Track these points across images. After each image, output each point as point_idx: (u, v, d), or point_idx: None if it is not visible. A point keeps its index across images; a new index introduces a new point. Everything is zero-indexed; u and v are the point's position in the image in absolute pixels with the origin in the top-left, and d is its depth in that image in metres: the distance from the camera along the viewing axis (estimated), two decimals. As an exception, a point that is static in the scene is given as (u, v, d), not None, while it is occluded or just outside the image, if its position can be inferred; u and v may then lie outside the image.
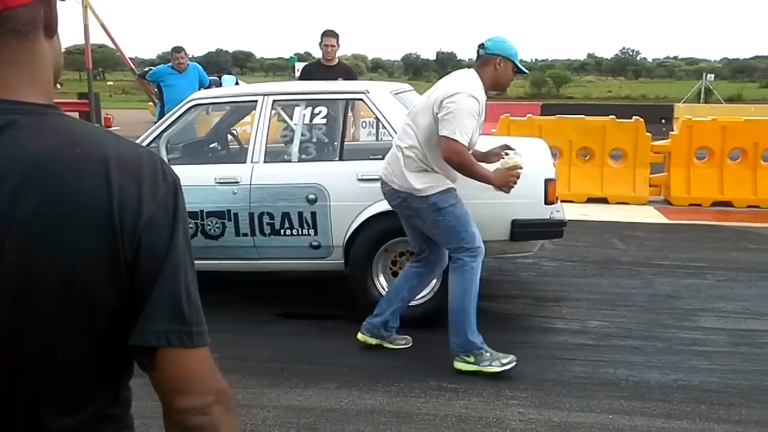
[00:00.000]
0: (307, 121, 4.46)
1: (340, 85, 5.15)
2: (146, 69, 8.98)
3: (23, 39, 0.86)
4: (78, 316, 0.85)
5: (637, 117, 8.13)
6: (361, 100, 4.28)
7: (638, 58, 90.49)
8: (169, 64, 7.68)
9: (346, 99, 4.46)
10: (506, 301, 4.57)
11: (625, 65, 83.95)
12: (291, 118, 4.49)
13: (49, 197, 0.82)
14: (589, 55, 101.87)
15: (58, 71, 0.94)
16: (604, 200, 7.93)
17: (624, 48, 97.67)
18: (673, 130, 8.94)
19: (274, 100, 4.30)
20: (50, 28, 0.90)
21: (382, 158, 4.18)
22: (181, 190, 0.93)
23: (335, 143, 4.54)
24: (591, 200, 7.93)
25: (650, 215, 7.38)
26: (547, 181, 4.02)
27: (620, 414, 3.04)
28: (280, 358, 3.65)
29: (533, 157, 4.33)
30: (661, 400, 3.17)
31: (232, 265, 4.35)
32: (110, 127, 18.88)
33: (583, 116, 8.31)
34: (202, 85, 7.56)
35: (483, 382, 3.33)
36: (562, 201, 7.10)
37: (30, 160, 0.82)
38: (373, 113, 4.26)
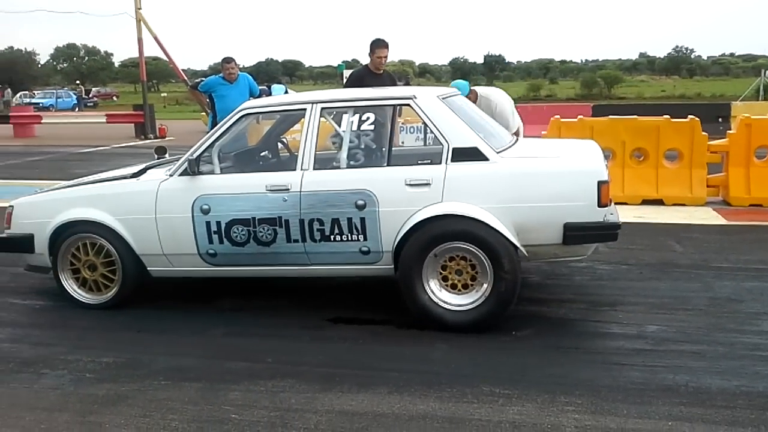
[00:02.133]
0: (355, 127, 4.48)
1: (388, 91, 5.15)
2: (198, 80, 9.18)
3: None
4: None
5: (693, 116, 7.92)
6: (409, 105, 4.28)
7: (692, 56, 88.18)
8: (220, 74, 7.82)
9: (394, 105, 4.46)
10: (560, 306, 4.49)
11: (679, 64, 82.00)
12: (339, 125, 4.52)
13: None
14: (641, 55, 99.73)
15: None
16: (659, 202, 7.74)
17: (677, 46, 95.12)
18: (730, 129, 8.67)
19: (322, 108, 4.34)
20: None
21: (430, 163, 4.18)
22: None
23: (383, 149, 4.54)
24: (646, 202, 7.75)
25: (708, 216, 7.17)
26: (600, 184, 3.94)
27: (680, 421, 2.95)
28: (331, 363, 3.66)
29: (585, 159, 4.26)
30: (723, 406, 3.06)
31: (283, 270, 4.40)
32: (165, 137, 19.36)
33: (636, 116, 8.14)
34: (252, 95, 7.67)
35: (537, 388, 3.28)
36: (616, 203, 6.99)
37: None
38: (421, 119, 4.25)
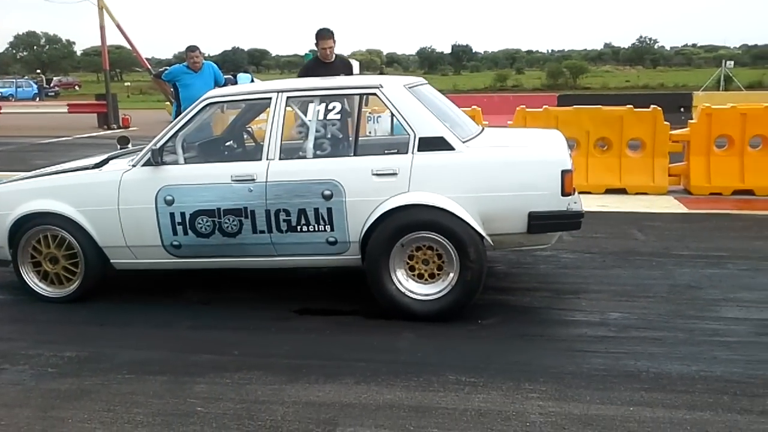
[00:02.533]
0: (321, 117, 4.46)
1: (354, 80, 5.14)
2: (162, 69, 9.02)
3: None
4: None
5: (655, 106, 8.04)
6: (375, 94, 4.27)
7: (656, 47, 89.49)
8: (185, 63, 7.71)
9: (360, 94, 4.45)
10: (525, 294, 4.54)
11: (643, 54, 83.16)
12: (305, 115, 4.50)
13: None
14: (606, 45, 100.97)
15: None
16: (622, 191, 7.86)
17: (641, 37, 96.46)
18: (692, 119, 8.83)
19: (288, 97, 4.31)
20: None
21: (397, 152, 4.18)
22: None
23: (350, 138, 4.54)
24: (609, 191, 7.87)
25: (670, 205, 7.31)
26: (564, 173, 3.99)
27: (641, 406, 3.01)
28: (298, 355, 3.66)
29: (549, 148, 4.31)
30: (683, 391, 3.13)
31: (250, 262, 4.37)
32: (128, 127, 19.06)
33: (600, 106, 8.24)
34: (217, 84, 7.58)
35: (502, 376, 3.32)
36: (580, 192, 7.07)
37: None
38: (387, 108, 4.24)
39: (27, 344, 3.92)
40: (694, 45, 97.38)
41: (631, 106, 8.09)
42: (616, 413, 2.95)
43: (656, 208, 7.13)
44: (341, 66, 6.57)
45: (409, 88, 4.34)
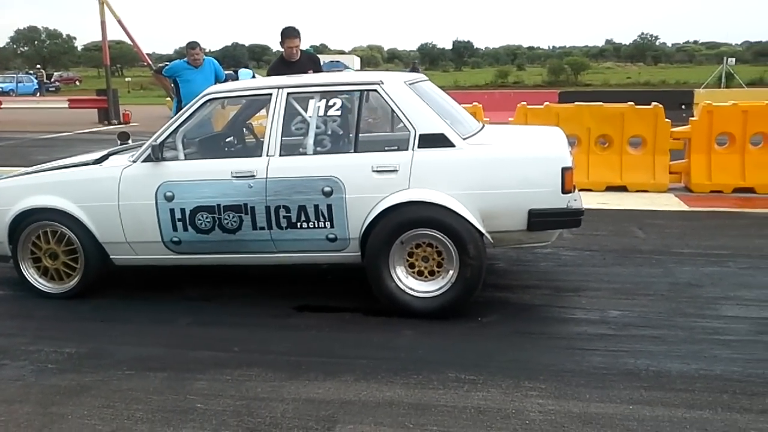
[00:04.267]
0: (321, 113, 4.46)
1: (355, 76, 5.14)
2: (162, 65, 9.02)
3: None
4: None
5: (656, 103, 8.03)
6: (376, 91, 4.26)
7: (657, 44, 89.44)
8: (185, 59, 7.70)
9: (361, 90, 4.44)
10: (525, 292, 4.54)
11: (644, 51, 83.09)
12: (306, 111, 4.49)
13: None
14: (608, 41, 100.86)
15: None
16: (623, 188, 7.86)
17: (643, 33, 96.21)
18: (693, 116, 8.81)
19: (288, 93, 4.30)
20: None
21: (397, 149, 4.18)
22: None
23: (350, 135, 4.53)
24: (610, 188, 7.86)
25: (670, 203, 7.30)
26: (564, 170, 3.99)
27: (641, 404, 3.01)
28: (298, 351, 3.66)
29: (549, 145, 4.30)
30: (682, 390, 3.13)
31: (249, 258, 4.37)
32: (129, 122, 19.05)
33: (601, 103, 8.22)
34: (218, 80, 7.58)
35: (502, 373, 3.32)
36: (581, 190, 7.06)
37: None
38: (388, 104, 4.24)
39: (27, 340, 3.92)
40: (695, 42, 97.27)
41: (633, 103, 8.08)
42: (616, 411, 2.96)
43: (657, 206, 7.12)
44: (308, 62, 6.56)
45: (410, 84, 4.33)
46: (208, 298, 4.59)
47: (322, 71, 6.71)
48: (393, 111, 4.26)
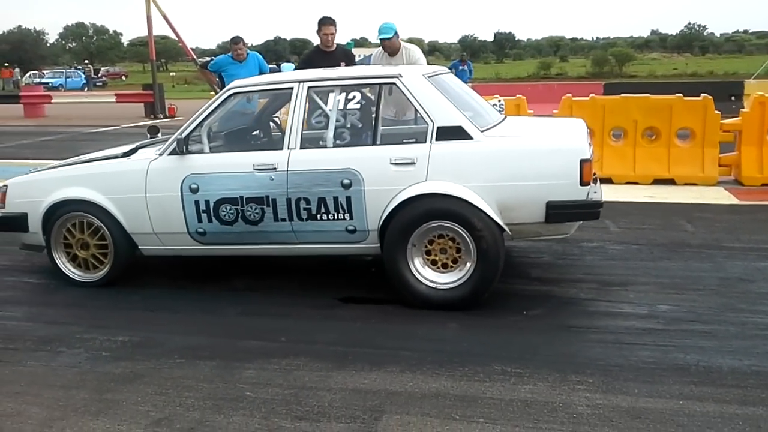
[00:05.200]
0: (341, 106, 4.52)
1: (374, 69, 5.19)
2: (207, 59, 9.16)
3: None
4: None
5: (706, 94, 7.85)
6: (395, 84, 4.28)
7: (705, 33, 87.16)
8: (230, 54, 7.81)
9: (380, 84, 4.47)
10: (571, 285, 4.50)
11: (691, 41, 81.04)
12: (326, 104, 4.55)
13: None
14: (653, 32, 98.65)
15: None
16: (671, 181, 7.70)
17: (690, 23, 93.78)
18: (743, 108, 8.59)
19: (309, 87, 4.35)
20: None
21: (415, 142, 4.19)
22: None
23: (369, 128, 4.57)
24: (657, 182, 7.72)
25: (720, 196, 7.14)
26: (582, 162, 3.95)
27: (691, 400, 2.96)
28: (344, 342, 3.70)
29: (568, 137, 4.27)
30: (734, 386, 3.07)
31: (271, 249, 4.45)
32: (174, 116, 19.35)
33: (648, 95, 8.07)
34: (262, 73, 7.66)
35: (548, 367, 3.30)
36: (627, 183, 6.96)
37: None
38: (407, 98, 4.25)
39: (81, 328, 4.04)
40: (745, 31, 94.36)
41: (681, 94, 7.91)
42: (665, 407, 2.92)
43: (706, 199, 6.97)
44: (342, 55, 6.69)
45: (429, 77, 4.34)
46: (253, 288, 4.66)
47: (354, 65, 6.79)
48: (411, 104, 4.27)
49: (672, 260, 4.96)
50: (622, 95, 8.19)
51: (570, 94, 8.47)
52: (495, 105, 6.80)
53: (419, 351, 3.54)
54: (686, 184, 7.62)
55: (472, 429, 2.81)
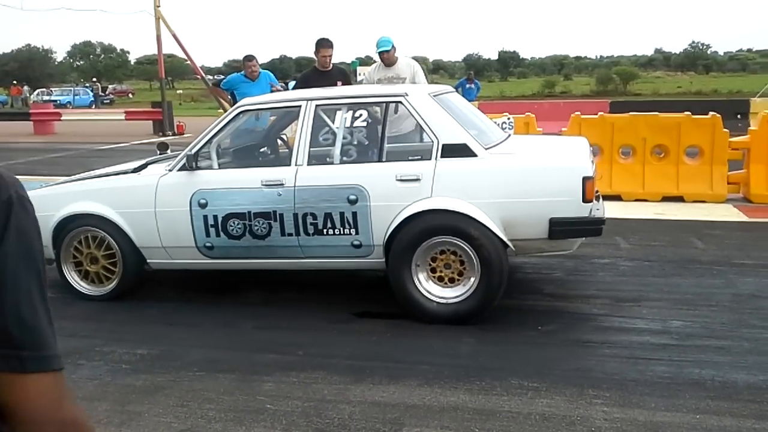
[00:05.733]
0: (348, 124, 4.63)
1: (381, 88, 5.32)
2: (219, 78, 9.27)
3: None
4: None
5: (714, 113, 7.91)
6: (401, 102, 4.36)
7: (709, 52, 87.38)
8: (242, 72, 7.90)
9: (386, 102, 4.55)
10: (584, 301, 4.53)
11: (695, 60, 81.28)
12: (333, 122, 4.64)
13: None
14: (657, 50, 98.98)
15: None
16: (680, 199, 7.74)
17: (693, 42, 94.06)
18: (749, 126, 8.64)
19: (316, 105, 4.43)
20: None
21: (421, 159, 4.26)
22: (20, 207, 0.87)
23: (375, 145, 4.66)
24: (666, 199, 7.75)
25: (729, 213, 7.17)
26: (585, 179, 4.01)
27: (708, 414, 2.99)
28: (361, 356, 3.73)
29: (570, 155, 4.35)
30: (750, 400, 3.10)
31: (278, 263, 4.52)
32: (183, 133, 19.49)
33: (656, 113, 8.13)
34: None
35: (565, 381, 3.33)
36: (636, 200, 7.01)
37: None
38: (413, 116, 4.34)
39: (101, 342, 4.08)
40: (749, 50, 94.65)
41: (689, 112, 7.97)
42: (682, 420, 2.95)
43: (715, 217, 7.00)
44: (338, 74, 6.96)
45: (434, 96, 4.43)
46: (269, 302, 4.71)
47: (350, 83, 7.00)
48: (417, 122, 4.35)
49: (683, 276, 4.99)
50: (631, 113, 8.25)
51: (579, 113, 8.54)
52: (504, 123, 6.87)
53: (436, 365, 3.57)
54: (695, 202, 7.65)
55: (491, 442, 2.84)
